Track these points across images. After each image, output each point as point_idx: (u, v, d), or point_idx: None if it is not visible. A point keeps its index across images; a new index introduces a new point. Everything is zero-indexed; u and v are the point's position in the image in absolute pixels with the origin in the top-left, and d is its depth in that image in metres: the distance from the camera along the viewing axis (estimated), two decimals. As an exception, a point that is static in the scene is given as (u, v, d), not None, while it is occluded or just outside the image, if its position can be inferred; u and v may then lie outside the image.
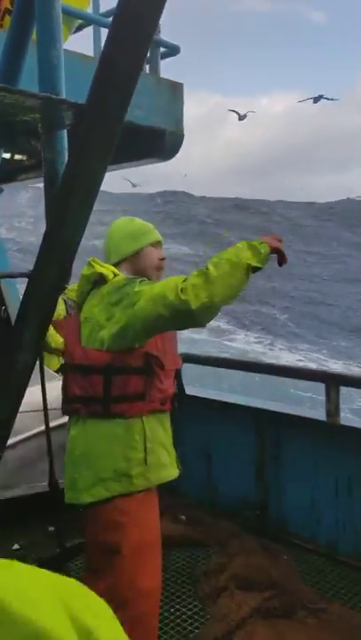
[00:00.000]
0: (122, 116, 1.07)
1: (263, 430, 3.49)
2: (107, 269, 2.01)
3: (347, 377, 3.33)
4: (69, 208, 1.19)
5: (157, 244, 2.15)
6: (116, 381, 1.91)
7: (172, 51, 4.19)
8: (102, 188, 1.24)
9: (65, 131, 1.33)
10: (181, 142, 3.90)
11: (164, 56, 4.11)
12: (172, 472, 2.06)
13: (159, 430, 2.02)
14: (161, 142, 3.82)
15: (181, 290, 1.69)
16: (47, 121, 1.23)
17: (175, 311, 1.70)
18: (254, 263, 1.75)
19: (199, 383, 4.58)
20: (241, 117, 32.37)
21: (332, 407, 3.29)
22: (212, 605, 2.73)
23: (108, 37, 0.98)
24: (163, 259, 2.15)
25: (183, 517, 3.48)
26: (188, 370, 3.94)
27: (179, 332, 2.10)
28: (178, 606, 2.76)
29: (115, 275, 2.00)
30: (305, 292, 32.74)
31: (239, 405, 3.75)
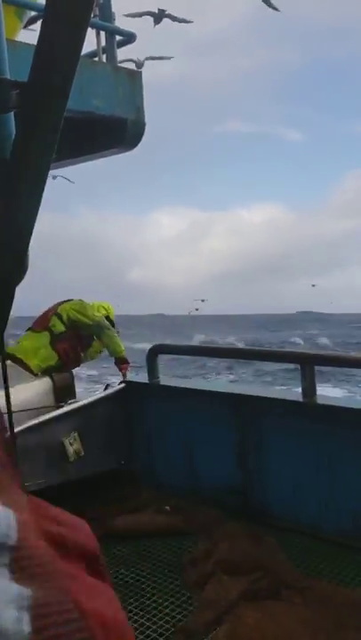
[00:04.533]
0: (67, 91, 1.03)
1: (242, 415, 3.49)
2: None
3: (321, 356, 3.34)
4: (19, 194, 1.15)
5: None
6: None
7: (129, 38, 4.14)
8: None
9: (12, 115, 1.29)
10: (143, 131, 3.84)
11: (121, 44, 4.05)
12: None
13: None
14: (123, 132, 3.76)
15: None
16: (-9, 104, 1.19)
17: None
18: None
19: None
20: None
21: (309, 387, 3.30)
22: (199, 592, 2.72)
23: (45, 9, 0.93)
24: None
25: (167, 508, 3.46)
26: (162, 359, 3.93)
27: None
28: (166, 596, 2.75)
29: None
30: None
31: (217, 392, 3.75)
